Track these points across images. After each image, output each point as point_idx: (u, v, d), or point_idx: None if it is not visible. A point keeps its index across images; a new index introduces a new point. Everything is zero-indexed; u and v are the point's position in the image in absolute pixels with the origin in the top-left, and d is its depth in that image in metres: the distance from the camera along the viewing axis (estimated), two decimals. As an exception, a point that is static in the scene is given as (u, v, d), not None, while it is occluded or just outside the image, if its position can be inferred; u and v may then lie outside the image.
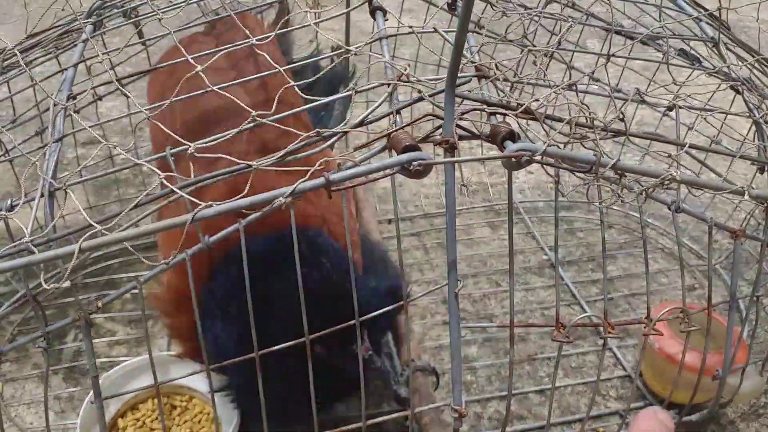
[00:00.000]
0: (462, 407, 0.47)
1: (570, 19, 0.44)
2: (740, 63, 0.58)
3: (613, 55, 0.48)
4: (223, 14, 0.52)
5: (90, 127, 0.44)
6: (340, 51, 0.46)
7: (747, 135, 0.75)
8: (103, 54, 0.45)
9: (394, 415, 0.51)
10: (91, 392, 0.47)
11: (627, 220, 0.96)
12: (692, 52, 0.76)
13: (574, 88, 0.42)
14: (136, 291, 0.44)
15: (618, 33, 0.76)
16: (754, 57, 0.56)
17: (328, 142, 0.42)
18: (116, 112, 1.19)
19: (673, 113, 0.74)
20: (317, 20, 0.63)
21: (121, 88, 0.46)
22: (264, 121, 0.43)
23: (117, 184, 0.99)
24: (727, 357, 0.54)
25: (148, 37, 0.71)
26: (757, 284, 0.52)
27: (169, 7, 0.50)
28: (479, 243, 0.92)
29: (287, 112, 0.44)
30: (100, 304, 0.44)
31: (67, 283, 0.37)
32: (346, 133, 0.42)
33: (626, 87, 0.85)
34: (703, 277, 0.86)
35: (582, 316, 0.45)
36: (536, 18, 0.47)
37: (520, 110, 0.41)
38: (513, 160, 0.39)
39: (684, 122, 0.80)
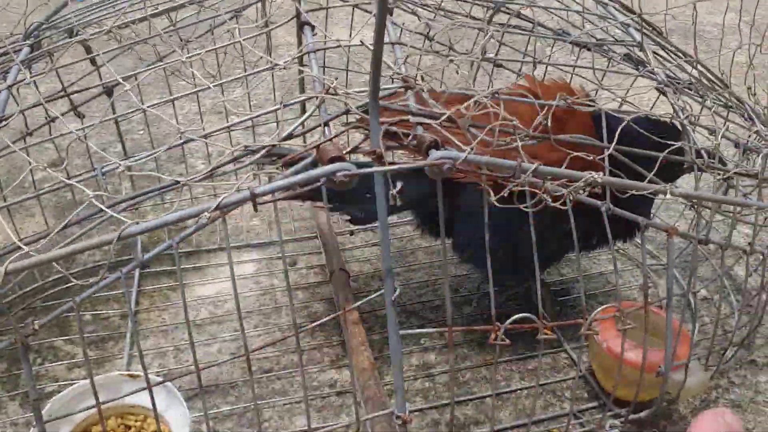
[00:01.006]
0: (405, 414, 0.48)
1: (491, 28, 0.45)
2: (672, 64, 0.60)
3: (540, 62, 0.49)
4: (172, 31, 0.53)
5: (20, 149, 0.44)
6: (268, 67, 0.46)
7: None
8: (32, 77, 0.45)
9: (341, 425, 0.51)
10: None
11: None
12: (638, 56, 0.78)
13: (496, 95, 0.43)
14: (72, 313, 0.44)
15: (571, 42, 0.78)
16: (682, 58, 0.58)
17: (256, 156, 0.43)
18: (75, 135, 1.19)
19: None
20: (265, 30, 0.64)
21: (47, 107, 0.46)
22: (196, 138, 0.44)
23: (77, 207, 0.98)
24: (667, 353, 0.55)
25: (95, 54, 0.72)
26: (691, 279, 0.54)
27: (101, 29, 0.51)
28: (438, 251, 0.93)
29: (220, 128, 0.44)
30: (36, 327, 0.44)
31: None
32: (274, 146, 0.43)
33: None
34: (656, 276, 0.87)
35: (515, 317, 0.46)
36: (464, 27, 0.48)
37: (442, 119, 0.42)
38: (436, 167, 0.40)
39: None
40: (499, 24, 0.69)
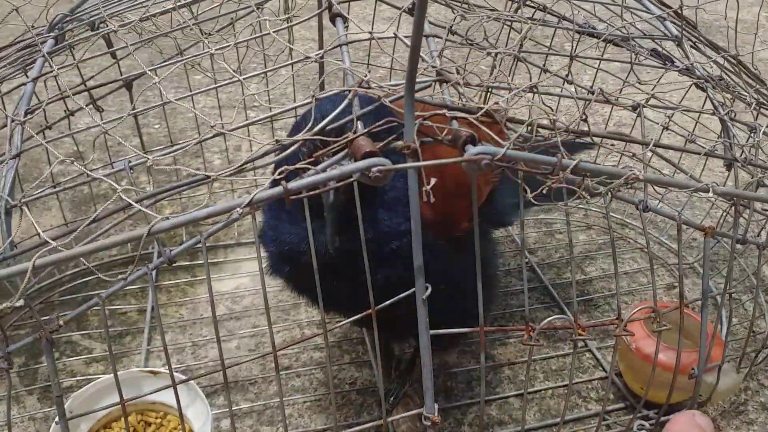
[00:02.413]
0: (435, 415, 0.47)
1: (529, 21, 0.44)
2: (708, 60, 0.58)
3: (576, 56, 0.47)
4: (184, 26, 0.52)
5: (47, 142, 0.43)
6: (301, 59, 0.45)
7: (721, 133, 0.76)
8: (58, 69, 0.45)
9: (368, 425, 0.50)
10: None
11: (607, 221, 0.96)
12: (664, 52, 0.76)
13: (534, 90, 0.42)
14: (98, 307, 0.43)
15: (591, 35, 0.76)
16: (719, 54, 0.56)
17: (291, 148, 0.42)
18: (96, 129, 1.18)
19: (648, 113, 0.75)
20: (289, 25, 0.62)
21: (74, 100, 0.45)
22: (226, 131, 0.43)
23: (94, 200, 0.98)
24: (702, 355, 0.53)
25: (116, 48, 0.71)
26: (728, 281, 0.52)
27: (127, 21, 0.50)
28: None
29: (247, 122, 0.43)
30: (61, 322, 0.43)
31: (20, 302, 0.36)
32: (306, 141, 0.42)
33: (604, 88, 0.86)
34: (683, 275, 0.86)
35: (550, 318, 0.44)
36: (498, 21, 0.46)
37: (480, 113, 0.40)
38: (473, 163, 0.39)
39: (660, 122, 0.81)
40: (530, 19, 0.67)
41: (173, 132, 1.15)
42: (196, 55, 0.47)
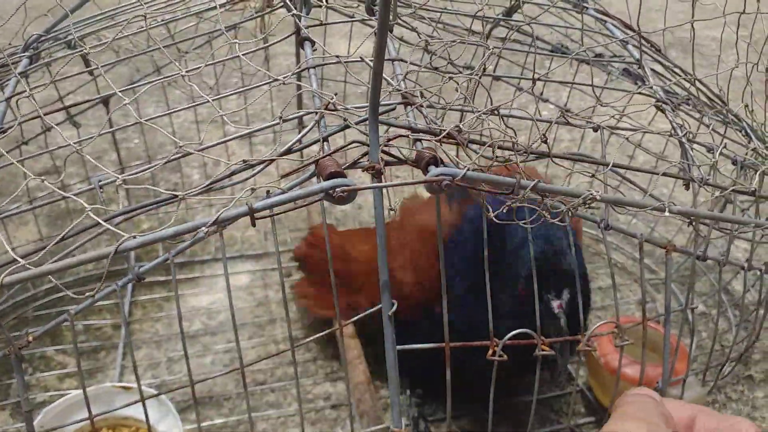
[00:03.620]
0: (402, 429, 0.47)
1: (491, 46, 0.45)
2: (670, 82, 0.60)
3: (540, 78, 0.49)
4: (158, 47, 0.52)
5: (19, 161, 0.43)
6: (267, 82, 0.46)
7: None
8: (30, 90, 0.45)
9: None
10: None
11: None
12: (635, 71, 0.78)
13: (496, 112, 0.43)
14: (67, 323, 0.43)
15: (564, 55, 0.78)
16: (680, 77, 0.58)
17: (258, 170, 0.42)
18: (77, 147, 1.18)
19: (623, 132, 0.76)
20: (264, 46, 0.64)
21: (46, 120, 0.46)
22: (193, 152, 0.44)
23: (70, 215, 0.98)
24: (665, 369, 0.55)
25: (93, 68, 0.71)
26: (689, 295, 0.54)
27: (100, 42, 0.50)
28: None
29: (216, 142, 0.44)
30: (30, 338, 0.43)
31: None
32: (273, 160, 0.42)
33: (580, 106, 0.88)
34: (654, 291, 0.87)
35: (512, 333, 0.46)
36: (463, 44, 0.48)
37: (442, 135, 0.41)
38: (435, 184, 0.40)
39: (631, 142, 0.83)
40: (499, 39, 0.69)
41: (151, 146, 1.15)
42: (169, 76, 0.48)
